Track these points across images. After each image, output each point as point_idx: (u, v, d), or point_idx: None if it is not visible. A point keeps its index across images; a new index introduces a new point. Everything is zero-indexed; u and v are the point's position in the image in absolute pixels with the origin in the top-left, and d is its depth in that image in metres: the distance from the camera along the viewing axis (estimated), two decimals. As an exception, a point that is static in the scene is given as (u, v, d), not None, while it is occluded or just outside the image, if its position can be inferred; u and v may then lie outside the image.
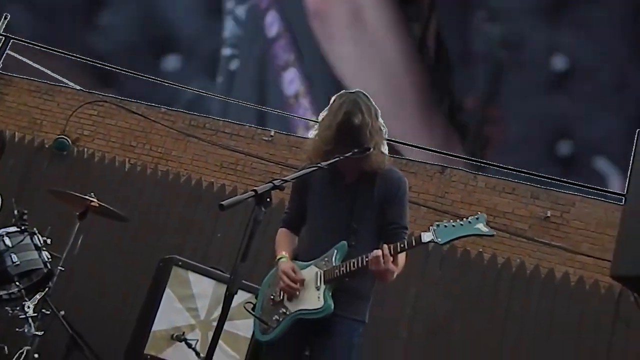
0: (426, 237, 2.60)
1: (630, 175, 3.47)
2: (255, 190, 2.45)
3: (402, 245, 2.65)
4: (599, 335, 5.51)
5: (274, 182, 2.53)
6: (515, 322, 5.67)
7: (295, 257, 2.92)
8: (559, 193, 8.03)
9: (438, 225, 2.60)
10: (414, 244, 2.63)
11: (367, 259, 2.65)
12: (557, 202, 7.95)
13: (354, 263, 2.69)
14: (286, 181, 2.58)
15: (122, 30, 12.64)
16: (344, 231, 2.81)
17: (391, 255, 2.63)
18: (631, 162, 3.48)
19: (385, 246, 2.65)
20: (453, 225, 2.58)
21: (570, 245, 7.67)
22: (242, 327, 4.25)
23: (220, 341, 4.09)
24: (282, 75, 11.07)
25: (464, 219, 2.60)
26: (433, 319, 5.77)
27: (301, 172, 2.76)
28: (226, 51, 12.22)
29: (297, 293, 2.78)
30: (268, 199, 2.47)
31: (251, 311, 2.91)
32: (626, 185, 3.58)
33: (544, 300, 5.71)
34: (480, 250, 5.87)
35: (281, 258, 2.89)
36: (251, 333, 4.26)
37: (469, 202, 8.03)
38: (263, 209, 2.46)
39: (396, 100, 11.00)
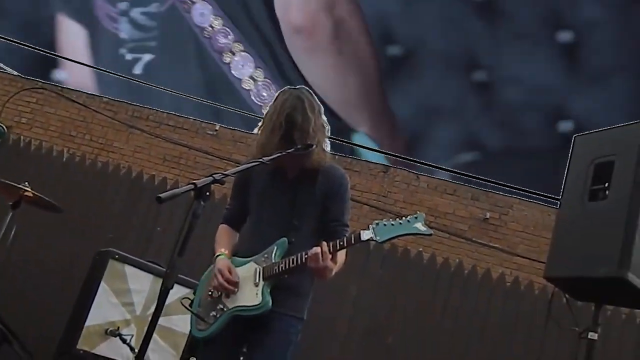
0: (365, 235, 2.61)
1: (565, 180, 3.58)
2: (194, 184, 2.42)
3: (341, 243, 2.65)
4: (532, 334, 5.67)
5: (214, 175, 2.50)
6: (451, 321, 5.78)
7: (235, 254, 2.90)
8: (498, 195, 8.24)
9: (377, 224, 2.61)
10: (353, 241, 2.63)
11: (306, 256, 2.65)
12: (496, 204, 8.16)
13: (293, 260, 2.68)
14: (227, 175, 2.55)
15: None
16: (284, 227, 2.80)
17: (330, 252, 2.63)
18: (567, 167, 3.60)
19: (324, 243, 2.65)
20: (392, 224, 2.59)
21: (507, 247, 7.88)
22: (179, 322, 4.19)
23: (157, 337, 4.07)
24: (228, 60, 10.96)
25: (404, 218, 2.60)
26: (372, 317, 5.82)
27: (242, 166, 2.73)
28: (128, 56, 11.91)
29: (233, 292, 2.76)
30: (207, 193, 2.44)
31: (188, 307, 2.88)
32: (561, 190, 3.68)
33: (480, 300, 5.84)
34: (420, 249, 5.95)
35: (219, 255, 2.86)
36: (189, 329, 4.21)
37: (411, 202, 8.15)
38: (202, 202, 2.43)
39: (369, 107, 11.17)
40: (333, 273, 2.70)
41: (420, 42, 11.70)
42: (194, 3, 11.22)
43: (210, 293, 2.85)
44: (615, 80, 11.57)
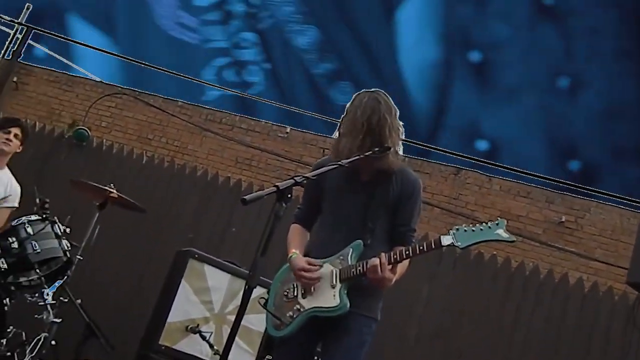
0: (446, 240, 2.60)
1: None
2: (277, 186, 2.48)
3: (421, 248, 2.64)
4: (611, 342, 5.50)
5: (295, 178, 2.55)
6: (524, 326, 5.67)
7: (307, 254, 2.93)
8: (574, 198, 8.01)
9: (458, 229, 2.59)
10: (433, 246, 2.63)
11: (367, 267, 2.67)
12: (572, 207, 7.93)
13: (361, 265, 2.70)
14: (307, 178, 2.61)
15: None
16: (359, 230, 2.82)
17: (390, 263, 2.64)
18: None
19: (383, 255, 2.66)
20: (473, 230, 2.57)
21: (583, 251, 7.65)
22: (255, 321, 4.28)
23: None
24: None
25: (484, 224, 2.59)
26: (443, 320, 5.78)
27: (322, 169, 2.78)
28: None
29: (316, 283, 2.79)
30: (289, 195, 2.50)
31: (265, 307, 2.93)
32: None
33: (555, 306, 5.70)
34: (494, 253, 5.86)
35: (293, 255, 2.89)
36: (264, 327, 4.30)
37: (483, 204, 8.03)
38: (284, 204, 2.48)
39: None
40: (392, 282, 2.71)
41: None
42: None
43: (285, 293, 2.90)
44: (525, 96, 11.59)
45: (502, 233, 2.53)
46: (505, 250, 7.14)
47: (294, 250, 2.91)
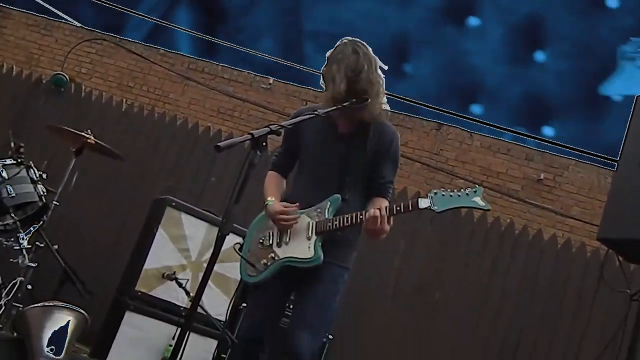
0: (423, 203, 2.64)
1: (624, 141, 3.49)
2: (251, 134, 2.46)
3: (398, 208, 2.67)
4: (582, 296, 5.63)
5: (270, 126, 2.54)
6: (500, 281, 5.78)
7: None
8: (553, 156, 8.06)
9: (435, 193, 2.62)
10: (410, 208, 2.65)
11: (361, 217, 2.69)
12: (551, 165, 7.99)
13: (347, 219, 2.72)
14: (283, 127, 2.59)
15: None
16: (335, 183, 2.83)
17: (387, 216, 2.66)
18: (627, 128, 3.51)
19: (384, 207, 2.68)
20: (450, 195, 2.61)
21: (560, 209, 7.75)
22: (232, 269, 4.30)
23: (210, 282, 4.20)
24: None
25: (462, 190, 2.62)
26: (420, 274, 5.87)
27: (298, 118, 2.76)
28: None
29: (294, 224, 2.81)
30: (264, 143, 2.48)
31: (239, 252, 2.94)
32: (620, 151, 3.60)
33: (530, 261, 5.81)
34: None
35: (269, 202, 2.90)
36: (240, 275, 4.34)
37: (463, 160, 8.06)
38: (258, 153, 2.47)
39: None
40: (385, 235, 2.74)
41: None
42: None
43: (261, 241, 2.92)
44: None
45: (478, 201, 2.57)
46: (483, 206, 7.22)
47: (270, 197, 2.92)
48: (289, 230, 2.84)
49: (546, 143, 8.18)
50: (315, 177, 2.90)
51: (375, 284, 5.76)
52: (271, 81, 8.73)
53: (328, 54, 2.88)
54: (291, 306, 2.97)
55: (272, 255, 2.85)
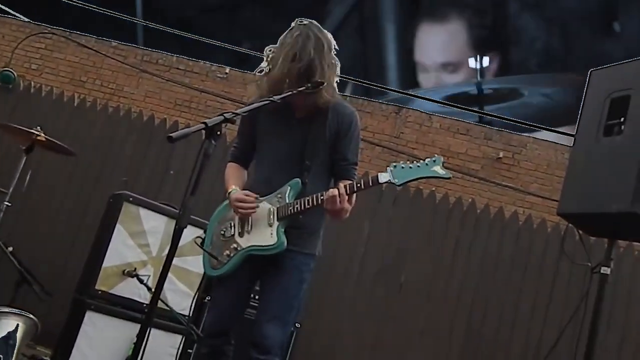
0: (383, 177, 2.59)
1: (580, 115, 3.53)
2: (205, 123, 2.39)
3: (358, 185, 2.62)
4: (544, 271, 5.72)
5: (224, 114, 2.47)
6: (463, 260, 5.83)
7: None
8: (511, 134, 8.16)
9: (395, 166, 2.57)
10: (370, 184, 2.61)
11: (322, 197, 2.64)
12: (509, 144, 8.09)
13: (308, 201, 2.68)
14: (237, 114, 2.53)
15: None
16: (296, 168, 2.78)
17: (347, 194, 2.62)
18: (582, 104, 3.54)
19: (342, 185, 2.64)
20: (410, 167, 2.56)
21: (520, 186, 7.85)
22: (194, 262, 4.24)
23: (172, 277, 4.14)
24: None
25: (421, 161, 2.57)
26: (385, 256, 5.89)
27: (253, 105, 2.70)
28: None
29: (253, 212, 2.77)
30: (219, 132, 2.41)
31: (201, 246, 2.89)
32: (576, 126, 3.64)
33: (492, 238, 5.87)
34: (433, 189, 5.96)
35: (232, 191, 2.84)
36: (203, 268, 4.27)
37: (423, 142, 8.10)
38: (213, 142, 2.41)
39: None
40: (347, 214, 2.69)
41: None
42: None
43: (222, 232, 2.86)
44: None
45: (438, 170, 2.53)
46: (444, 187, 7.27)
47: (233, 186, 2.87)
48: (250, 219, 2.79)
49: (505, 121, 8.26)
50: (274, 164, 2.85)
51: (340, 266, 5.75)
52: (227, 70, 8.61)
53: (281, 37, 2.82)
54: (256, 297, 2.91)
55: (235, 246, 2.80)
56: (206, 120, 2.40)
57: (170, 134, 2.30)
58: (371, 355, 5.69)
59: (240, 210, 2.77)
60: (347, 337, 5.70)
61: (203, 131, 2.40)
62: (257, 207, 2.76)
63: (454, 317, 5.71)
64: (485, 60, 11.98)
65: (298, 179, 2.76)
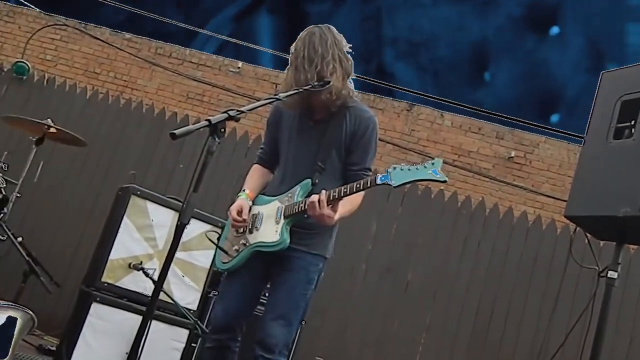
0: (380, 179, 2.57)
1: (590, 117, 3.49)
2: (209, 120, 2.40)
3: (357, 186, 2.57)
4: (552, 273, 5.68)
5: (229, 112, 2.47)
6: (471, 259, 5.81)
7: (263, 192, 2.93)
8: (523, 134, 8.10)
9: (394, 168, 2.56)
10: (368, 184, 2.57)
11: (304, 205, 2.65)
12: (521, 143, 8.03)
13: (304, 203, 2.68)
14: (241, 112, 2.52)
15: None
16: (310, 169, 2.79)
17: (331, 201, 2.59)
18: (592, 106, 3.50)
19: (324, 192, 2.61)
20: (409, 169, 2.54)
21: (531, 186, 7.80)
22: (200, 257, 4.28)
23: (179, 271, 4.16)
24: None
25: (420, 164, 2.56)
26: (392, 254, 5.87)
27: (257, 103, 2.70)
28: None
29: (244, 228, 2.84)
30: (223, 130, 2.41)
31: (212, 240, 2.95)
32: (586, 128, 3.60)
33: (500, 238, 5.84)
34: (442, 188, 5.92)
35: (240, 194, 2.89)
36: (209, 263, 4.30)
37: (435, 140, 8.06)
38: (217, 139, 2.41)
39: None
40: (334, 220, 2.64)
41: None
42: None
43: (236, 231, 2.90)
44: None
45: (435, 173, 2.50)
46: (454, 186, 7.25)
47: (244, 189, 2.91)
48: (261, 217, 2.82)
49: (517, 122, 8.20)
50: (289, 165, 2.87)
51: (347, 264, 5.75)
52: (240, 65, 8.61)
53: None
54: (267, 294, 2.91)
55: (244, 241, 2.84)
56: (210, 118, 2.41)
57: (173, 131, 2.30)
58: (376, 353, 5.69)
59: (232, 221, 2.84)
60: (352, 335, 5.70)
61: (207, 128, 2.40)
62: (245, 220, 2.82)
63: (460, 317, 5.69)
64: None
65: (309, 179, 2.77)
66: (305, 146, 2.83)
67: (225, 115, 2.45)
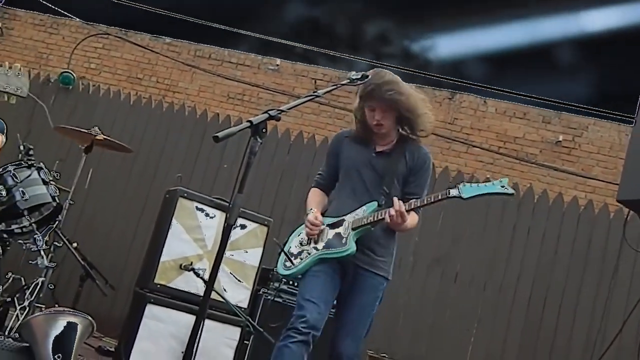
0: (453, 192, 2.91)
1: (640, 98, 3.40)
2: (250, 121, 2.43)
3: (429, 199, 2.95)
4: (606, 259, 5.55)
5: (269, 112, 2.51)
6: (521, 247, 5.72)
7: (324, 214, 3.20)
8: (570, 117, 7.90)
9: (464, 184, 2.91)
10: (440, 197, 2.93)
11: (384, 215, 2.95)
12: (569, 126, 7.84)
13: (381, 213, 2.98)
14: (282, 111, 2.55)
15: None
16: (376, 193, 3.10)
17: (408, 210, 2.94)
18: (642, 84, 3.40)
19: (399, 203, 2.92)
20: (478, 186, 2.91)
21: (581, 170, 7.61)
22: (249, 256, 4.34)
23: (228, 269, 4.22)
24: None
25: (489, 182, 2.95)
26: (439, 245, 5.83)
27: (296, 102, 2.75)
28: None
29: (321, 233, 3.10)
30: (264, 130, 2.46)
31: (280, 245, 3.24)
32: (637, 108, 3.51)
33: (551, 225, 5.73)
34: (489, 177, 5.85)
35: (309, 212, 3.16)
36: (257, 261, 4.36)
37: (478, 127, 7.94)
38: (259, 139, 2.45)
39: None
40: (406, 229, 3.05)
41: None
42: None
43: (300, 242, 3.18)
44: None
45: (504, 187, 2.89)
46: (501, 173, 7.13)
47: (311, 208, 3.20)
48: (327, 231, 3.10)
49: (563, 105, 7.99)
50: (355, 191, 3.14)
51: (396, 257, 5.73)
52: (278, 62, 8.65)
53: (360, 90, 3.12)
54: (334, 309, 3.15)
55: (308, 251, 3.11)
56: (251, 119, 2.44)
57: (216, 134, 2.34)
58: (427, 345, 5.66)
59: (307, 228, 3.12)
60: (404, 328, 5.69)
61: (249, 129, 2.43)
62: (321, 228, 3.11)
63: (511, 307, 5.62)
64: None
65: (375, 201, 3.08)
66: (371, 173, 3.14)
67: (266, 115, 2.49)
